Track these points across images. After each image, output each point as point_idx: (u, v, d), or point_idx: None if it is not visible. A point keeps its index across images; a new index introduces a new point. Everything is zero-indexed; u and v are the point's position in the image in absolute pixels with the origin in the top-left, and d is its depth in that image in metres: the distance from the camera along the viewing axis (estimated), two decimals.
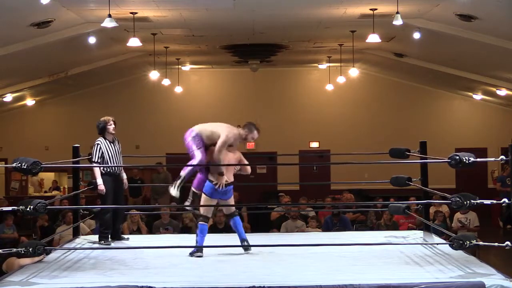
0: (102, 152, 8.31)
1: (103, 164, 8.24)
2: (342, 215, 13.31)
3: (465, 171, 16.88)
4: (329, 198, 16.39)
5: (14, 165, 5.91)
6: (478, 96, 21.47)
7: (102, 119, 8.51)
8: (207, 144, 7.47)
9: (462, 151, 6.23)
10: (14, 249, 6.10)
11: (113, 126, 8.47)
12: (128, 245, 8.09)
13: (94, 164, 8.24)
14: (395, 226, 12.76)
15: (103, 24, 11.42)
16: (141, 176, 19.92)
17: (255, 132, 7.50)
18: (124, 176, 8.58)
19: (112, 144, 8.40)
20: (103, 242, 8.17)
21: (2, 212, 12.79)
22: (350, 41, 16.05)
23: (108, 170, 8.31)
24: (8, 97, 19.00)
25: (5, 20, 11.96)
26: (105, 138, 8.39)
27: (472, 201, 5.98)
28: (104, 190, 8.19)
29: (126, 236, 8.63)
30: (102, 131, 8.43)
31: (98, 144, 8.36)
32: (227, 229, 11.53)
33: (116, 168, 8.35)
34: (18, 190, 21.66)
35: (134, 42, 13.20)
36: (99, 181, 8.21)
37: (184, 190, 7.50)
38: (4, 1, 11.09)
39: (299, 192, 18.83)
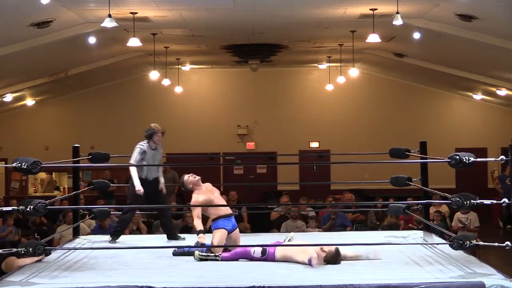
0: (143, 158, 8.44)
1: (141, 169, 8.38)
2: (339, 212, 13.40)
3: (465, 171, 16.85)
4: (330, 198, 16.39)
5: (14, 165, 5.91)
6: (478, 96, 21.47)
7: (153, 126, 8.61)
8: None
9: (462, 151, 6.23)
10: (14, 249, 6.10)
11: (159, 137, 8.57)
12: (128, 245, 8.10)
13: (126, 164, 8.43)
14: (396, 226, 12.76)
15: (103, 24, 11.42)
16: None
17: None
18: (162, 180, 8.68)
19: (153, 151, 8.54)
20: (111, 239, 8.30)
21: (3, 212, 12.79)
22: (350, 41, 16.05)
23: (144, 176, 8.44)
24: (8, 97, 18.99)
25: (5, 20, 11.96)
26: (148, 144, 8.51)
27: (472, 201, 5.98)
28: (142, 191, 8.28)
29: (182, 236, 8.65)
30: (148, 138, 8.54)
31: (140, 148, 8.48)
32: None
33: (150, 173, 8.48)
34: (18, 190, 21.67)
35: (134, 42, 13.19)
36: (137, 182, 8.33)
37: None
38: (4, 1, 11.09)
39: (299, 192, 18.83)
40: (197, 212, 7.42)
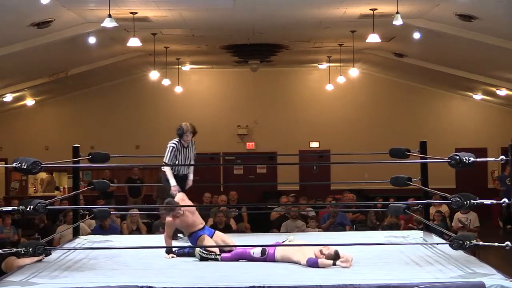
0: (176, 155, 8.51)
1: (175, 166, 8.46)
2: (339, 212, 13.43)
3: (465, 171, 16.85)
4: (330, 198, 16.37)
5: (14, 165, 5.90)
6: (478, 96, 21.48)
7: (184, 125, 8.62)
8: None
9: (462, 151, 6.21)
10: (14, 249, 6.10)
11: (189, 137, 8.59)
12: (128, 245, 8.08)
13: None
14: (396, 226, 12.76)
15: (103, 24, 11.43)
16: (141, 176, 19.93)
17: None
18: (191, 177, 8.75)
19: (184, 149, 8.60)
20: (180, 236, 8.33)
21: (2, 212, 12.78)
22: (350, 41, 16.06)
23: (175, 172, 8.52)
24: (8, 97, 19.00)
25: (5, 20, 11.96)
26: (180, 142, 8.56)
27: (472, 201, 5.97)
28: (178, 190, 8.28)
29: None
30: (179, 137, 8.60)
31: (172, 146, 8.55)
32: (227, 230, 11.54)
33: (182, 170, 8.57)
34: (18, 190, 21.67)
35: (134, 42, 13.20)
36: (173, 182, 8.40)
37: None
38: (4, 1, 11.09)
39: (299, 192, 18.83)
40: (169, 232, 7.41)
